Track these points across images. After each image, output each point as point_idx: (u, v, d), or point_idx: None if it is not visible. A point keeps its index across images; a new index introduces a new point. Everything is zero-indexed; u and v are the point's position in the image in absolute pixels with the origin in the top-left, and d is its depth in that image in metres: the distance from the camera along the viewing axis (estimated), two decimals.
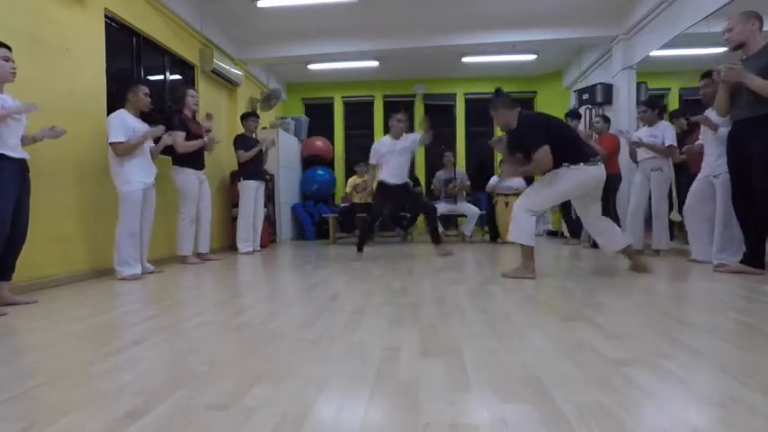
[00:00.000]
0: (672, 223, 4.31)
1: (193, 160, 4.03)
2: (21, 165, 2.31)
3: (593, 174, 2.82)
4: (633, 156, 4.32)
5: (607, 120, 5.03)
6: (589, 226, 3.17)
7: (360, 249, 4.16)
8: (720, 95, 2.93)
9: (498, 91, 3.04)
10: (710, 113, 3.36)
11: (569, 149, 2.81)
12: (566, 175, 2.81)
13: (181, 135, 3.88)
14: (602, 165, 2.88)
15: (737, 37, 2.83)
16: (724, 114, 3.00)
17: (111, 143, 3.13)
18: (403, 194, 4.26)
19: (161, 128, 3.44)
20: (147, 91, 3.35)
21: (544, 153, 2.74)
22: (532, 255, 2.91)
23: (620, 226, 4.71)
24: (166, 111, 4.44)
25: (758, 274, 2.84)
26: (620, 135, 4.40)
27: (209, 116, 4.28)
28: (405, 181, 4.17)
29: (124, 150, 3.16)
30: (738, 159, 2.90)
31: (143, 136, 3.26)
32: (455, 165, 6.37)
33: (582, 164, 2.79)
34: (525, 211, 2.90)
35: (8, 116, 2.21)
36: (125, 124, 3.18)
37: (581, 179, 2.81)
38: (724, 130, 3.16)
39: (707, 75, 3.36)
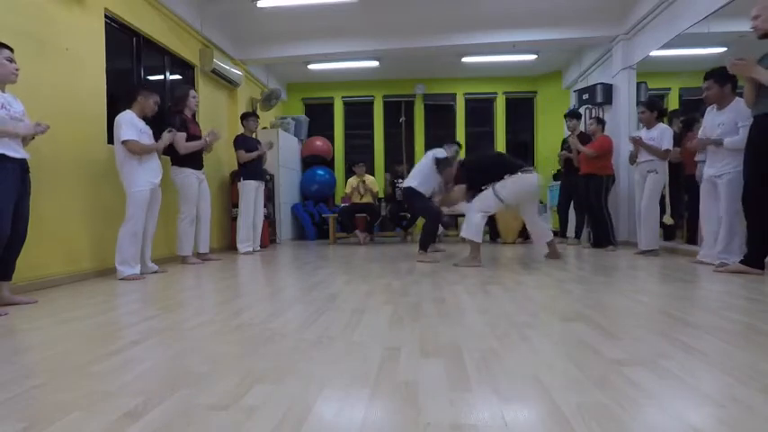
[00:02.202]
0: (664, 225, 4.32)
1: (192, 160, 4.03)
2: (21, 165, 2.31)
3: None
4: (632, 158, 4.31)
5: (600, 122, 5.06)
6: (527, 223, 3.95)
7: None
8: (747, 88, 2.85)
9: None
10: (711, 113, 3.34)
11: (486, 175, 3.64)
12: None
13: (182, 136, 3.90)
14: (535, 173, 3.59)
15: (764, 25, 2.68)
16: (753, 107, 2.92)
17: (123, 141, 3.17)
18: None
19: (173, 134, 3.61)
20: (158, 99, 3.45)
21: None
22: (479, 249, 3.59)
23: (611, 225, 4.78)
24: (166, 111, 4.44)
25: (758, 274, 2.84)
26: (633, 142, 4.34)
27: (212, 134, 4.19)
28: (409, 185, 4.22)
29: (139, 148, 3.23)
30: (757, 156, 2.83)
31: (159, 143, 3.43)
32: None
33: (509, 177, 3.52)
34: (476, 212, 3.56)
35: (14, 134, 2.23)
36: (134, 124, 3.26)
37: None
38: (728, 141, 3.14)
39: (709, 75, 3.25)
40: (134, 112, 3.32)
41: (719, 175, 3.22)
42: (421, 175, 4.15)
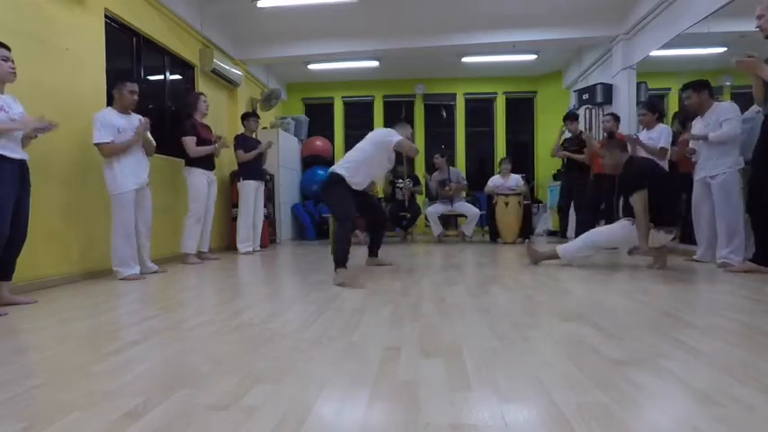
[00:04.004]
0: None
1: (203, 161, 4.15)
2: (20, 165, 2.31)
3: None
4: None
5: (617, 118, 4.93)
6: None
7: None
8: (756, 85, 2.86)
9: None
10: (698, 122, 3.44)
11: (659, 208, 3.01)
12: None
13: (192, 140, 4.01)
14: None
15: None
16: (761, 104, 2.92)
17: (95, 144, 3.08)
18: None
19: (145, 122, 3.28)
20: (134, 89, 3.25)
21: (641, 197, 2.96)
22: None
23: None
24: (167, 111, 4.46)
25: (767, 273, 2.84)
26: (629, 141, 4.35)
27: (222, 144, 4.30)
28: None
29: (110, 151, 3.11)
30: (766, 154, 2.82)
31: (134, 136, 3.19)
32: (449, 164, 6.33)
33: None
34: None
35: (13, 130, 2.24)
36: (109, 123, 3.12)
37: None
38: (713, 135, 3.20)
39: (687, 86, 3.41)
40: (115, 108, 3.22)
41: (713, 175, 3.26)
42: (355, 162, 3.18)
